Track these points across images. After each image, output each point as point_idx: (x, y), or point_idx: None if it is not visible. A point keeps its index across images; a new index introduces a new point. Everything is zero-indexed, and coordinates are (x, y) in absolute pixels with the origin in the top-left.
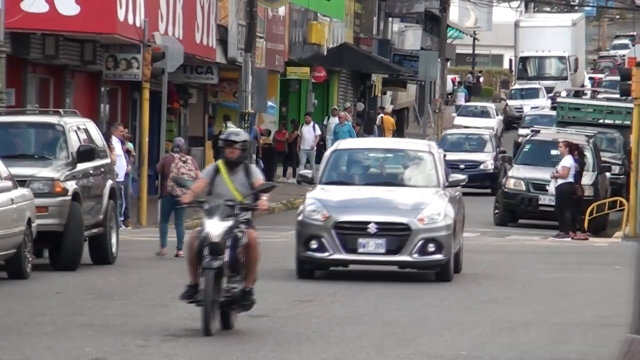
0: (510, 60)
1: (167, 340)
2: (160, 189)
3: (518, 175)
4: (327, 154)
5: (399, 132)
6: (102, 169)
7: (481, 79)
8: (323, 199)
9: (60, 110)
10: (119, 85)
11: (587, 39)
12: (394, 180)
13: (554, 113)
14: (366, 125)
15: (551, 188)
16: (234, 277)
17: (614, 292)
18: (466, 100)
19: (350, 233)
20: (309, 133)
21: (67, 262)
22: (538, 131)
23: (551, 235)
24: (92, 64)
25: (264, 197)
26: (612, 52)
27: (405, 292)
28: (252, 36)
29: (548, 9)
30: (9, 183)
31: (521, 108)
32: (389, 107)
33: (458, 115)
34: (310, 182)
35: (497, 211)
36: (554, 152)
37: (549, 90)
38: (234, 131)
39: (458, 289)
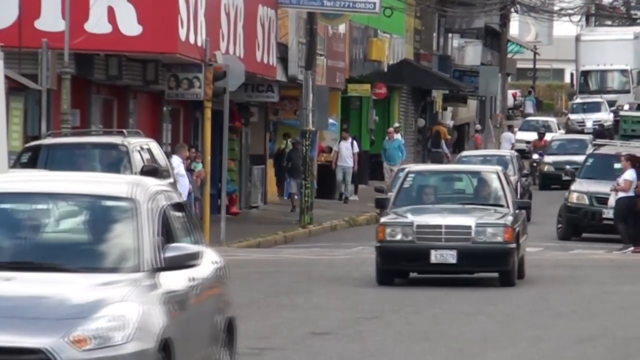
0: (572, 75)
1: None
2: None
3: (581, 189)
4: None
5: (459, 148)
6: None
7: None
8: None
9: (124, 130)
10: (181, 104)
11: None
12: (43, 259)
13: (585, 137)
14: (433, 140)
15: (611, 201)
16: None
17: None
18: (534, 109)
19: None
20: (347, 149)
21: None
22: (601, 145)
23: (615, 249)
24: (155, 83)
25: None
26: None
27: (468, 306)
28: (313, 54)
29: (609, 22)
30: None
31: (583, 122)
32: (449, 122)
33: (519, 130)
34: None
35: (560, 225)
36: (617, 165)
37: (611, 103)
38: None
39: (522, 304)
